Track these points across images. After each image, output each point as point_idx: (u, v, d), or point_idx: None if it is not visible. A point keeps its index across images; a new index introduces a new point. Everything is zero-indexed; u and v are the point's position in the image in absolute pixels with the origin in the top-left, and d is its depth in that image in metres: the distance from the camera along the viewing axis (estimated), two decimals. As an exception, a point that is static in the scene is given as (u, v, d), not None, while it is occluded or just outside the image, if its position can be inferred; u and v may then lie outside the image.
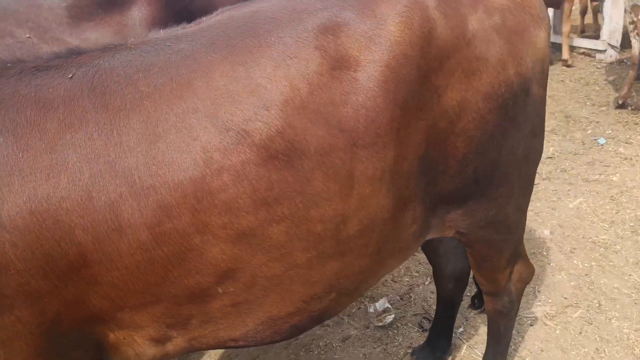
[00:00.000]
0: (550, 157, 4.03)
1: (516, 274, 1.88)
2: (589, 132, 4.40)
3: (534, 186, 3.68)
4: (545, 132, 4.46)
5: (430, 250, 2.09)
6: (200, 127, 1.06)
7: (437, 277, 2.16)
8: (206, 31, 1.19)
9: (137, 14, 1.84)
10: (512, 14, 1.40)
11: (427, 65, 1.25)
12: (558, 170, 3.84)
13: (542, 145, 1.66)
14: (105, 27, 1.77)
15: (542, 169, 3.89)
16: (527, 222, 3.35)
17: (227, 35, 1.17)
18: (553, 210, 3.39)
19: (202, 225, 1.07)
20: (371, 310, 2.75)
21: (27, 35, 1.62)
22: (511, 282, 1.87)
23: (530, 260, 3.08)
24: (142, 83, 1.09)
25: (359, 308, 2.80)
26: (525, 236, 3.30)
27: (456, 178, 1.42)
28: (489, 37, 1.34)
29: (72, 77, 1.08)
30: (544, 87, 1.54)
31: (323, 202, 1.14)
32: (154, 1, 1.86)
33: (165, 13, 1.90)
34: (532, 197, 3.54)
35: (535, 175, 1.70)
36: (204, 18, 1.29)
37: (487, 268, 1.77)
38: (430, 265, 2.24)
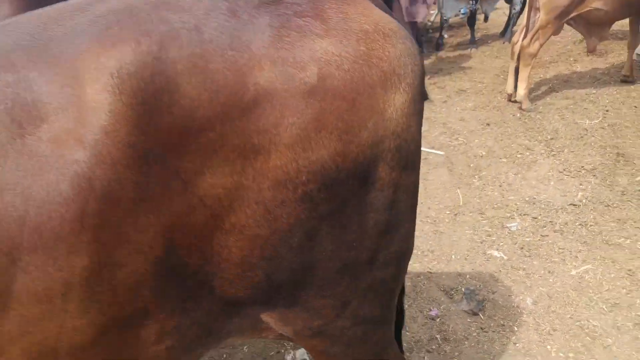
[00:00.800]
0: (575, 205, 3.36)
1: (389, 386, 1.46)
2: (639, 179, 3.63)
3: (542, 238, 3.15)
4: (584, 171, 3.80)
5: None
6: None
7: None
8: None
9: None
10: (343, 69, 0.98)
11: (155, 142, 0.88)
12: (577, 224, 3.18)
13: (407, 241, 1.21)
14: None
15: (559, 217, 3.25)
16: (510, 283, 2.83)
17: None
18: (549, 274, 2.80)
19: None
20: (288, 358, 2.43)
21: None
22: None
23: (496, 334, 2.59)
24: None
25: (278, 352, 2.48)
26: (501, 301, 2.77)
27: (239, 284, 1.05)
28: (288, 102, 0.94)
29: None
30: (403, 169, 1.09)
31: None
32: None
33: None
34: (530, 252, 3.01)
35: (402, 276, 1.26)
36: None
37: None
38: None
